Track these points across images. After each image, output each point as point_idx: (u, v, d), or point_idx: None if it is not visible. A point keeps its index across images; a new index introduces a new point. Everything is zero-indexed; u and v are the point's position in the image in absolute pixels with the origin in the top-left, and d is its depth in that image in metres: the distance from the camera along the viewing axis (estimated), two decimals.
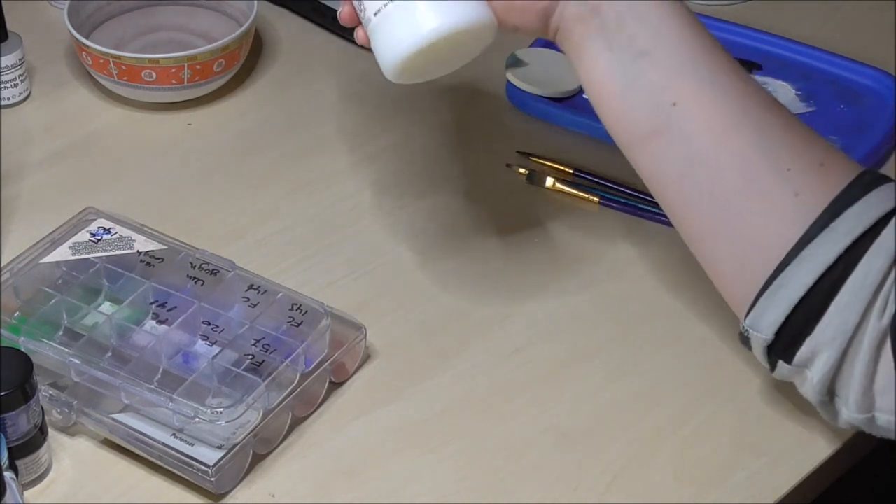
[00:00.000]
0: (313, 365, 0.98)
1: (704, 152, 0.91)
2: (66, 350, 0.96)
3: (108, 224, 1.06)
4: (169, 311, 1.00)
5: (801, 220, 0.89)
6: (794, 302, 0.88)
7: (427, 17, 0.89)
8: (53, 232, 1.06)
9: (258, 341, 0.98)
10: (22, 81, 1.23)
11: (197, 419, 0.92)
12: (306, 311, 1.00)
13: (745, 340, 0.93)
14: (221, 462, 0.92)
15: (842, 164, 0.91)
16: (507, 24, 0.93)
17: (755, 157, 0.90)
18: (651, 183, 0.94)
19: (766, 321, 0.90)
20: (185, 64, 1.19)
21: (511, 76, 1.22)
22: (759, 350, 0.92)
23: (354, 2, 0.93)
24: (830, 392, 0.90)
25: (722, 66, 0.92)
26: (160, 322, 1.00)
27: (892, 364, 0.87)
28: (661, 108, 0.91)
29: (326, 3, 1.31)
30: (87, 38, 1.21)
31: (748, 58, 1.28)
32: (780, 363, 0.91)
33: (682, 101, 0.91)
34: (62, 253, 1.04)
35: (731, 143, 0.90)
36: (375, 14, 0.90)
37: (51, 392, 0.96)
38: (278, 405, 0.95)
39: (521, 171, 1.16)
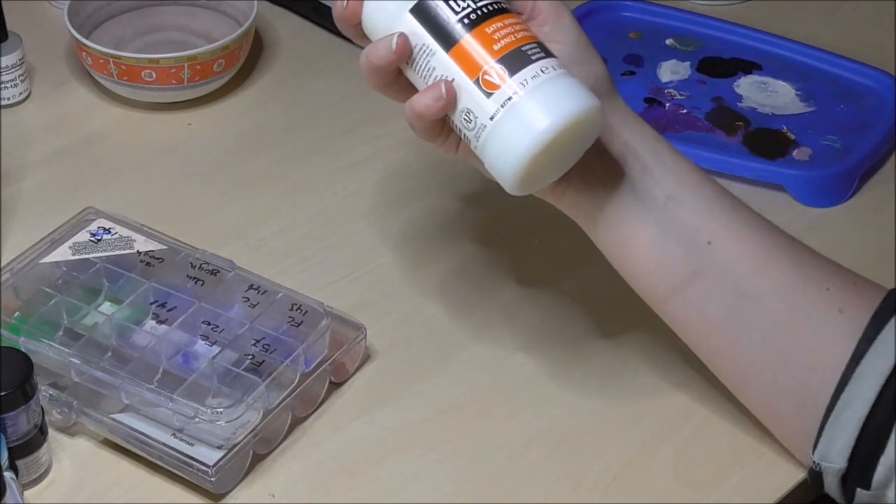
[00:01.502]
0: (313, 365, 0.98)
1: (746, 284, 0.90)
2: (66, 350, 0.96)
3: (108, 224, 1.06)
4: (169, 311, 1.00)
5: (850, 336, 0.89)
6: (861, 421, 0.87)
7: (561, 102, 0.85)
8: (53, 232, 1.06)
9: (258, 341, 0.98)
10: (22, 81, 1.23)
11: (197, 419, 0.92)
12: (306, 311, 1.00)
13: (815, 477, 0.91)
14: (221, 462, 0.92)
15: (870, 282, 0.92)
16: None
17: (796, 281, 0.91)
18: (695, 333, 0.93)
19: (837, 448, 0.88)
20: (185, 64, 1.19)
21: None
22: (833, 483, 0.90)
23: (460, 109, 0.87)
24: None
25: (738, 202, 0.93)
26: (160, 322, 1.00)
27: None
28: (697, 248, 0.91)
29: (326, 3, 1.31)
30: (87, 38, 1.21)
31: (748, 58, 1.28)
32: (859, 491, 0.89)
33: (716, 238, 0.91)
34: (62, 253, 1.04)
35: (771, 271, 0.91)
36: (493, 117, 0.85)
37: (51, 392, 0.96)
38: (278, 405, 0.95)
39: None
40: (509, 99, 0.85)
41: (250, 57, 1.27)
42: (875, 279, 0.95)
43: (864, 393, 0.87)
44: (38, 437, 0.92)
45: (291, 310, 1.00)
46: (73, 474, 0.95)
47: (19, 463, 0.92)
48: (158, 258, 1.04)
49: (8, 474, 0.86)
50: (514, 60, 0.85)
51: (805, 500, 0.96)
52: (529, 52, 0.86)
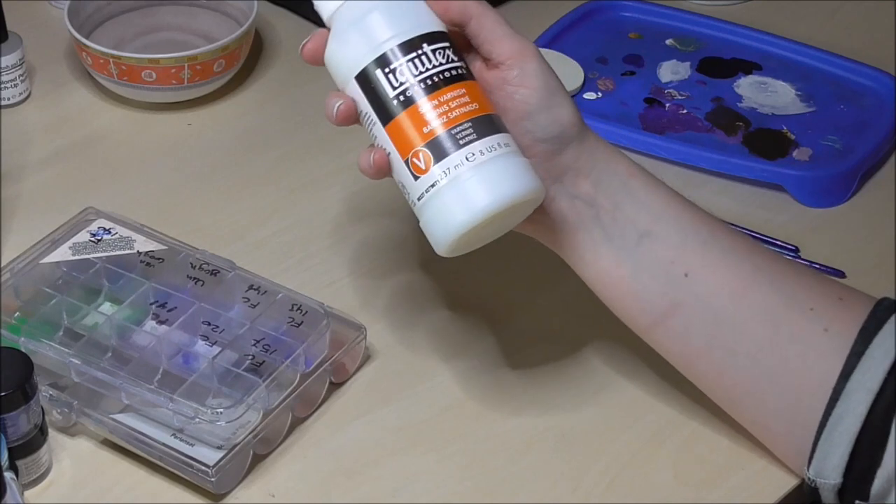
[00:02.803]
0: (313, 365, 0.98)
1: (727, 313, 0.91)
2: (66, 350, 0.96)
3: (108, 224, 1.06)
4: (169, 311, 1.00)
5: (837, 354, 0.89)
6: (854, 436, 0.87)
7: (479, 195, 0.86)
8: (53, 232, 1.06)
9: (258, 341, 0.98)
10: (22, 81, 1.23)
11: (197, 419, 0.92)
12: (306, 312, 1.00)
13: (812, 492, 0.91)
14: (221, 462, 0.92)
15: (859, 296, 0.92)
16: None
17: (777, 305, 0.90)
18: (679, 360, 0.94)
19: (831, 465, 0.89)
20: (185, 64, 1.19)
21: None
22: (830, 497, 0.90)
23: (397, 180, 0.89)
24: None
25: (719, 228, 0.93)
26: (160, 322, 1.00)
27: None
28: (673, 281, 0.91)
29: None
30: (87, 38, 1.21)
31: (748, 58, 1.28)
32: (858, 503, 0.89)
33: (692, 270, 0.91)
34: (62, 253, 1.04)
35: (751, 298, 0.91)
36: (419, 198, 0.87)
37: (51, 392, 0.96)
38: (278, 405, 0.95)
39: None
40: (433, 185, 0.86)
41: (250, 57, 1.27)
42: (875, 279, 0.95)
43: (855, 409, 0.87)
44: (38, 438, 0.92)
45: (291, 310, 1.00)
46: (73, 474, 0.95)
47: (19, 463, 0.92)
48: (158, 258, 1.04)
49: (8, 474, 0.86)
50: (441, 146, 0.86)
51: (805, 501, 0.96)
52: (459, 136, 0.86)
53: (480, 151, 0.86)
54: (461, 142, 0.86)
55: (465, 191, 0.86)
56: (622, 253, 0.91)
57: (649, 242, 0.91)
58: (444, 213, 0.86)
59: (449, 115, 0.87)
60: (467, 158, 0.86)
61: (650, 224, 0.91)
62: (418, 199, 0.87)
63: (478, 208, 0.86)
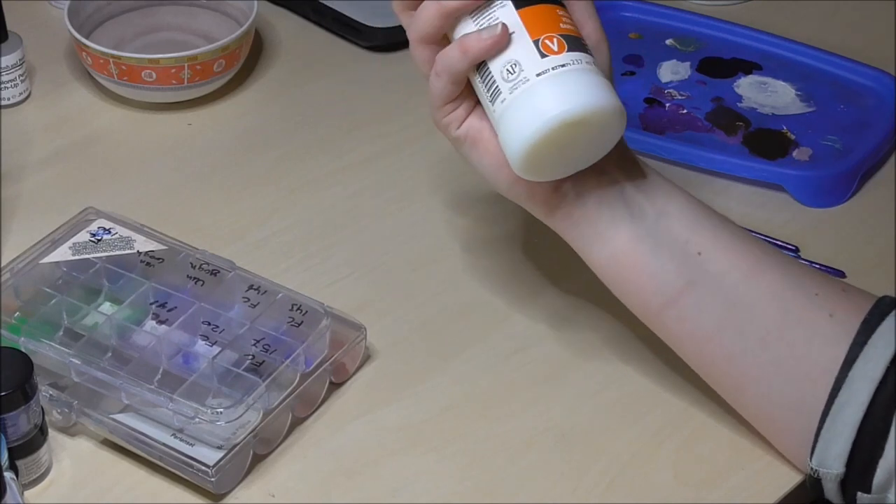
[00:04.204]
0: (313, 365, 0.98)
1: (738, 292, 0.92)
2: (66, 350, 0.96)
3: (108, 224, 1.06)
4: (169, 311, 1.00)
5: (842, 340, 0.89)
6: (856, 426, 0.88)
7: (552, 101, 0.89)
8: (53, 232, 1.06)
9: (258, 341, 0.98)
10: (22, 81, 1.23)
11: (197, 419, 0.92)
12: (306, 312, 1.00)
13: (815, 483, 0.91)
14: (221, 462, 0.92)
15: (860, 291, 0.93)
16: (507, 193, 0.96)
17: (785, 287, 0.92)
18: (688, 345, 0.95)
19: (833, 454, 0.89)
20: (185, 64, 1.19)
21: None
22: (832, 489, 0.90)
23: (494, 74, 0.91)
24: None
25: (725, 218, 0.95)
26: (160, 322, 1.00)
27: None
28: (688, 260, 0.92)
29: (326, 3, 1.31)
30: (87, 38, 1.21)
31: (748, 58, 1.28)
32: (860, 495, 0.89)
33: (705, 249, 0.93)
34: (62, 253, 1.04)
35: (761, 279, 0.92)
36: (541, 73, 0.90)
37: (51, 392, 0.96)
38: (278, 405, 0.95)
39: None
40: (562, 66, 0.90)
41: (250, 57, 1.27)
42: (875, 279, 0.95)
43: (857, 397, 0.88)
44: (38, 438, 0.92)
45: (291, 310, 1.00)
46: (73, 474, 0.95)
47: (19, 463, 0.92)
48: (158, 258, 1.04)
49: (8, 474, 0.86)
50: (574, 42, 0.91)
51: (805, 500, 0.96)
52: (585, 45, 0.92)
53: (596, 65, 0.92)
54: (588, 50, 0.92)
55: (592, 79, 0.90)
56: (642, 230, 0.93)
57: (665, 220, 0.93)
58: (567, 90, 0.89)
59: (577, 29, 0.92)
60: (592, 62, 0.91)
61: (665, 204, 0.93)
62: (537, 75, 0.89)
63: (600, 99, 0.89)
